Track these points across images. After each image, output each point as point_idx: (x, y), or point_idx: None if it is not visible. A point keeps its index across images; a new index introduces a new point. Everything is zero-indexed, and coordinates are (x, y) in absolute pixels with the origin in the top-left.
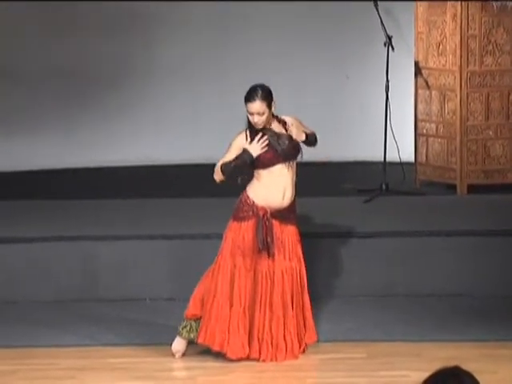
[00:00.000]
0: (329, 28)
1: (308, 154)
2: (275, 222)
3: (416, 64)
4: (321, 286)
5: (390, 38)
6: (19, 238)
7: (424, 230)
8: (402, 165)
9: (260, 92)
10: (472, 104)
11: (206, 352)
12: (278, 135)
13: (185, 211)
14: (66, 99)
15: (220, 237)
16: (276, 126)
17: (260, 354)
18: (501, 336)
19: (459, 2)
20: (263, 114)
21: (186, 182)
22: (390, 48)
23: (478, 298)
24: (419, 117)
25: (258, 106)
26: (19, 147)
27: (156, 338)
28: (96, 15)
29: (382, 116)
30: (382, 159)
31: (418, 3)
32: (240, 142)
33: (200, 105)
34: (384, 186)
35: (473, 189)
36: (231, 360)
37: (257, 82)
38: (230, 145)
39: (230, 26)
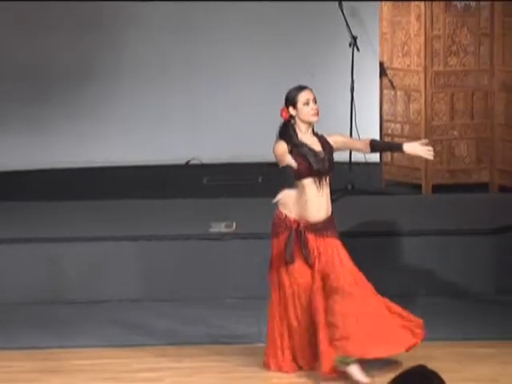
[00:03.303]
0: (294, 28)
1: (272, 155)
2: (310, 236)
3: (381, 64)
4: None
5: (355, 39)
6: None
7: (389, 230)
8: (367, 165)
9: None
10: (437, 104)
11: (175, 353)
12: (314, 151)
13: (152, 212)
14: (31, 99)
15: (190, 238)
16: (314, 142)
17: (310, 363)
18: (466, 335)
19: (423, 3)
20: (316, 102)
21: (154, 182)
22: (355, 48)
23: (442, 296)
24: (384, 117)
25: (311, 92)
26: None
27: (124, 339)
28: (63, 15)
29: (348, 116)
30: (348, 159)
31: (383, 3)
32: (284, 147)
33: (167, 104)
34: (350, 186)
35: (438, 188)
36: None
37: (222, 80)
38: (280, 155)
39: (197, 26)
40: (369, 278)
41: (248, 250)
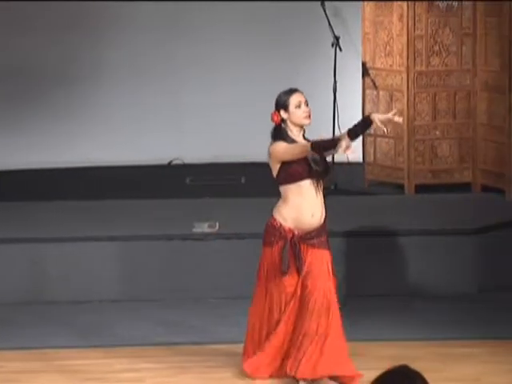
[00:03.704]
0: (276, 28)
1: (257, 155)
2: (302, 246)
3: (363, 64)
4: None
5: (337, 39)
6: None
7: (372, 230)
8: (350, 165)
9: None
10: (419, 104)
11: (157, 354)
12: (311, 153)
13: (135, 213)
14: (13, 99)
15: (173, 238)
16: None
17: (293, 371)
18: (448, 335)
19: (406, 3)
20: (308, 104)
21: (136, 183)
22: (338, 48)
23: (425, 297)
24: None
25: (302, 95)
26: None
27: (105, 339)
28: (44, 15)
29: (330, 116)
30: (331, 159)
31: (365, 3)
32: (285, 143)
33: (150, 104)
34: (332, 186)
35: (420, 188)
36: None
37: (205, 81)
38: (288, 148)
39: (180, 26)
40: (350, 278)
41: (231, 250)
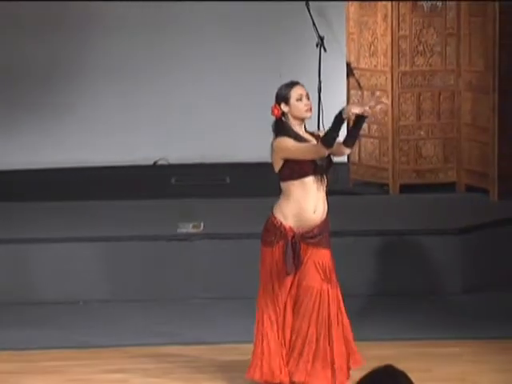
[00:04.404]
0: (261, 29)
1: (241, 155)
2: (302, 245)
3: (348, 65)
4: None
5: (322, 39)
6: None
7: (356, 230)
8: (335, 165)
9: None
10: (403, 104)
11: (143, 354)
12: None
13: (120, 213)
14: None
15: (158, 238)
16: (310, 138)
17: (296, 375)
18: (433, 335)
19: (390, 3)
20: (309, 98)
21: (121, 183)
22: (322, 49)
23: (412, 297)
24: (351, 117)
25: (303, 87)
26: None
27: (90, 340)
28: (33, 15)
29: (315, 117)
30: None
31: (350, 4)
32: (289, 140)
33: (135, 105)
34: None
35: (405, 188)
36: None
37: (191, 82)
38: (287, 147)
39: (166, 28)
40: (339, 277)
41: (216, 250)
